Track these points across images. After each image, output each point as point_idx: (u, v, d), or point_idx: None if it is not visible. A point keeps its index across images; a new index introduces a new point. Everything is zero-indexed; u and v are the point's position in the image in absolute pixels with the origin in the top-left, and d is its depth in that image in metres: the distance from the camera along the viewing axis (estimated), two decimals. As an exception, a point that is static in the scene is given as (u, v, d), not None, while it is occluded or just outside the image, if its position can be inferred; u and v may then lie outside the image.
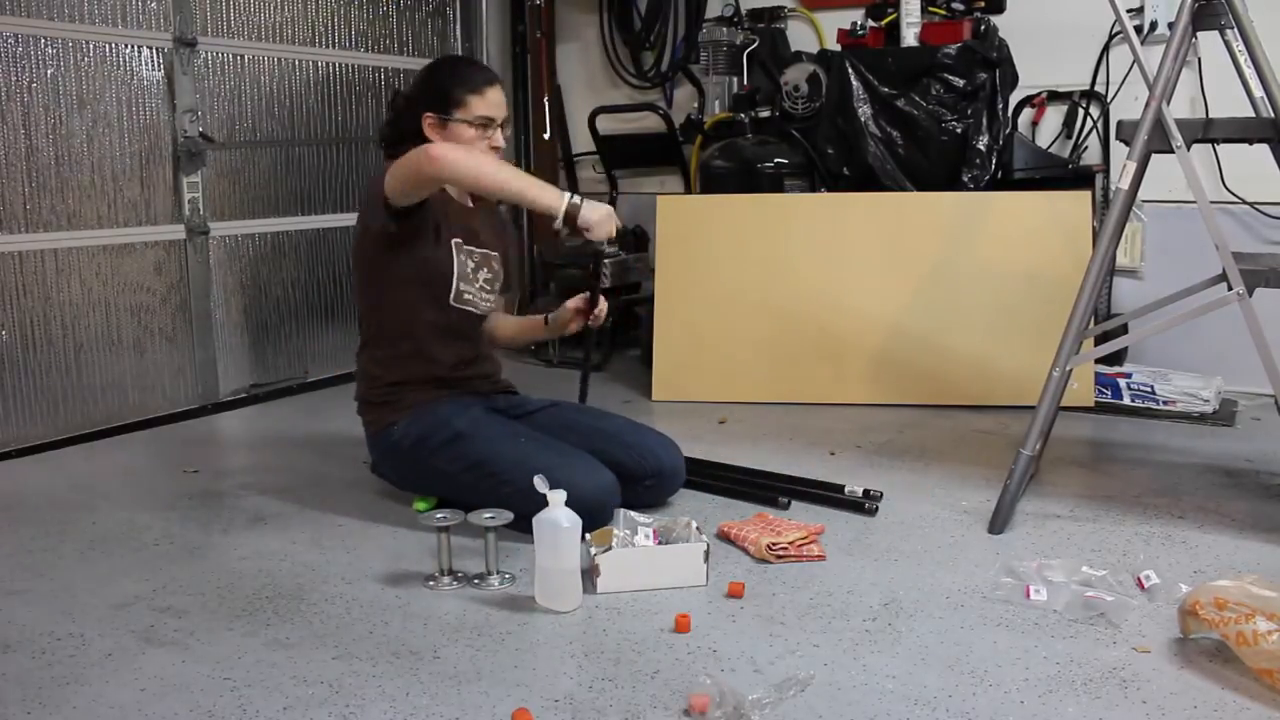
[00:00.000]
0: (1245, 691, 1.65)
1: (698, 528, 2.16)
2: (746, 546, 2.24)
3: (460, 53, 4.51)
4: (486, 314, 2.63)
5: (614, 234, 2.38)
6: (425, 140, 2.48)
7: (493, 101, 2.49)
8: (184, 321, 3.57)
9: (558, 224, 2.31)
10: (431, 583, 2.11)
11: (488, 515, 2.10)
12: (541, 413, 2.63)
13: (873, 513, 2.48)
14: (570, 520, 1.98)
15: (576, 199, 2.31)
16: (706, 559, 2.09)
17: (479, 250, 2.59)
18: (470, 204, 2.62)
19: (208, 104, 3.58)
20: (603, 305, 2.67)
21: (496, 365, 2.73)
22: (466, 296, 2.55)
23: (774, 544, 2.19)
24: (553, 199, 2.30)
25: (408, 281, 2.49)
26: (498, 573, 2.12)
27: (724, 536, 2.32)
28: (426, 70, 2.61)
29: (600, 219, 2.33)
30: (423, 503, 2.54)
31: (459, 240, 2.53)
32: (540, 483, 2.00)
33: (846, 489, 2.58)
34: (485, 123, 2.48)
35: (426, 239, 2.47)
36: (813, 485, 2.64)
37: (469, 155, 2.32)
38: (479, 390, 2.61)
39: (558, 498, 1.99)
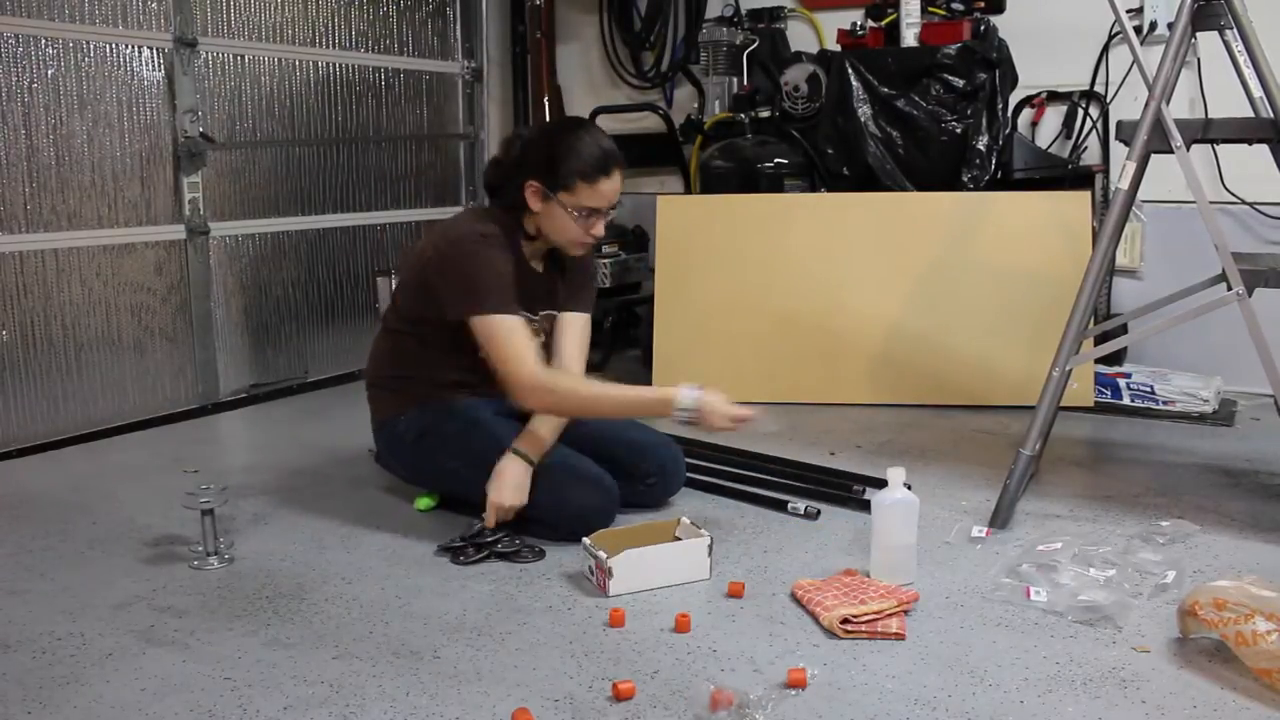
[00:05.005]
0: (1245, 691, 1.65)
1: (693, 523, 2.18)
2: (817, 613, 1.93)
3: (460, 54, 4.51)
4: None
5: (734, 418, 2.24)
6: (523, 198, 2.35)
7: (604, 192, 2.31)
8: (184, 321, 3.57)
9: (679, 416, 2.25)
10: (196, 562, 2.24)
11: (203, 500, 2.23)
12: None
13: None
14: (909, 499, 2.06)
15: (696, 402, 2.23)
16: (710, 553, 2.11)
17: (540, 315, 2.51)
18: (542, 269, 2.50)
19: (208, 104, 3.58)
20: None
21: None
22: None
23: (849, 618, 1.88)
24: (666, 407, 2.25)
25: (445, 333, 2.42)
26: (216, 553, 2.26)
27: (796, 599, 2.02)
28: (549, 132, 2.42)
29: (710, 415, 2.23)
30: (424, 501, 2.55)
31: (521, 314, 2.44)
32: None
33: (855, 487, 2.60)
34: (589, 213, 2.33)
35: None
36: (831, 474, 2.68)
37: (561, 399, 2.29)
38: (491, 394, 2.60)
39: (896, 477, 2.05)
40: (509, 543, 2.24)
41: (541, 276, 2.50)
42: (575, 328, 2.55)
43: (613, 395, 2.33)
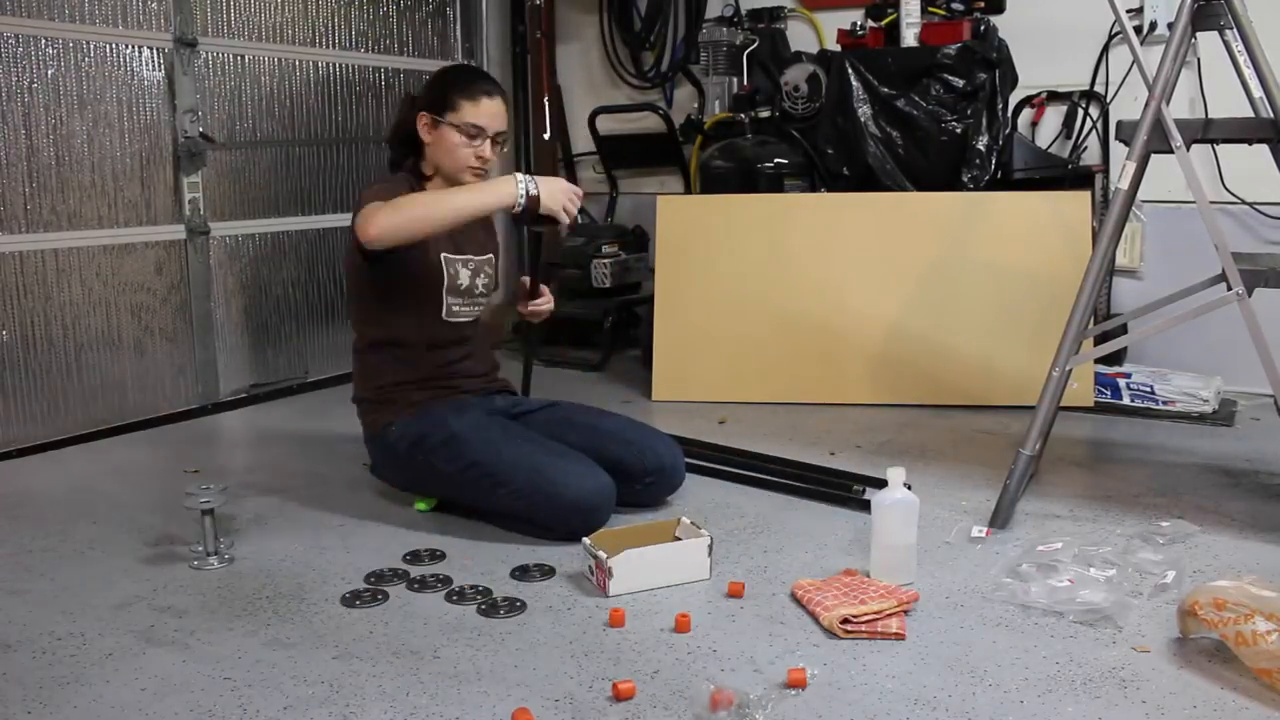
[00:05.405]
0: (1245, 691, 1.65)
1: (693, 523, 2.18)
2: (817, 613, 1.93)
3: (461, 54, 4.51)
4: (477, 319, 2.63)
5: (570, 210, 2.35)
6: (419, 140, 2.52)
7: (486, 111, 2.47)
8: (184, 321, 3.57)
9: (516, 209, 2.30)
10: (196, 562, 2.23)
11: (203, 500, 2.23)
12: (540, 412, 2.63)
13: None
14: (909, 499, 2.06)
15: (531, 183, 2.30)
16: (710, 553, 2.11)
17: (473, 259, 2.58)
18: None
19: (208, 104, 3.58)
20: (546, 299, 2.65)
21: (492, 364, 2.73)
22: (455, 309, 2.55)
23: (849, 618, 1.87)
24: (506, 192, 2.30)
25: (397, 296, 2.49)
26: (216, 553, 2.25)
27: (796, 599, 2.01)
28: (437, 73, 2.64)
29: (551, 192, 2.30)
30: (423, 503, 2.55)
31: (447, 254, 2.52)
32: None
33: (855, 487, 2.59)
34: (474, 131, 2.46)
35: (413, 257, 2.45)
36: (831, 474, 2.67)
37: (399, 210, 2.26)
38: (474, 390, 2.61)
39: (896, 477, 2.04)
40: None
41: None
42: None
43: (452, 192, 2.37)
